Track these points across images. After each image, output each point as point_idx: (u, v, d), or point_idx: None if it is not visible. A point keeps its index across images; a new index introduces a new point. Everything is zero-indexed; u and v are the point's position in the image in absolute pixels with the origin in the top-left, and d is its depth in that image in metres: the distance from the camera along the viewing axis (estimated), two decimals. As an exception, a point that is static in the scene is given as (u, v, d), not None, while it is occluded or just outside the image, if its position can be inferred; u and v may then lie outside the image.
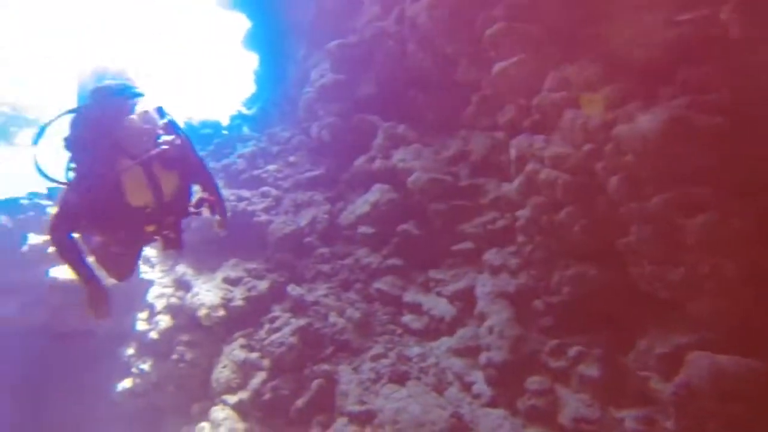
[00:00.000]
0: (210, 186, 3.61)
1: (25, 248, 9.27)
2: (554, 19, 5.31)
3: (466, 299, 6.19)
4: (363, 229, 7.63)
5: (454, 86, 7.11)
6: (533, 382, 5.09)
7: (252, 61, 13.85)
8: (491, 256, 6.13)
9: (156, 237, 3.32)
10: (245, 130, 11.33)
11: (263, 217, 8.59)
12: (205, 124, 11.81)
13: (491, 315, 5.59)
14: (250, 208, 8.71)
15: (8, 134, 13.54)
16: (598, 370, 4.70)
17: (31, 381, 9.13)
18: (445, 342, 6.17)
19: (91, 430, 9.13)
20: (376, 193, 7.51)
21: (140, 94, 3.07)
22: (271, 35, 12.33)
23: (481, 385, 5.55)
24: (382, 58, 8.12)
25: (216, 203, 3.60)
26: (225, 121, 12.39)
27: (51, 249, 9.34)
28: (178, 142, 3.02)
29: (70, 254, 3.05)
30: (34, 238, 9.38)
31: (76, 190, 2.97)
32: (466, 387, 5.68)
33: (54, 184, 3.00)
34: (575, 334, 5.14)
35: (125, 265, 3.62)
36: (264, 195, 9.03)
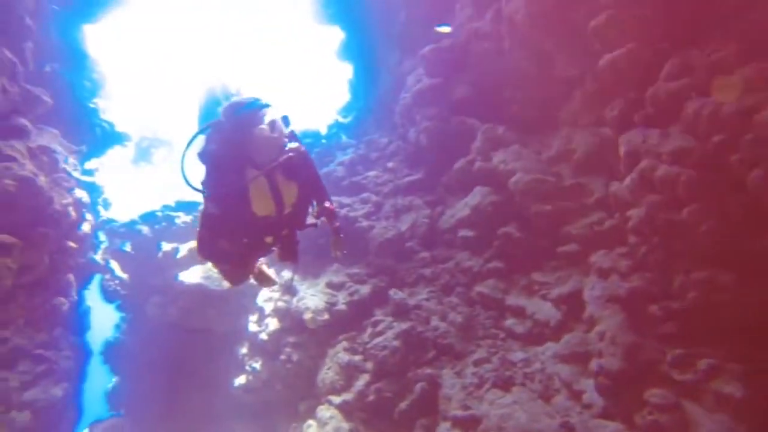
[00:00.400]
0: (326, 199, 3.52)
1: (159, 255, 10.53)
2: (671, 2, 4.89)
3: (571, 303, 5.92)
4: (463, 232, 7.60)
5: (553, 83, 6.83)
6: (654, 395, 4.71)
7: (344, 71, 14.45)
8: (599, 258, 5.79)
9: (273, 248, 3.39)
10: (343, 138, 11.81)
11: (364, 223, 8.87)
12: (305, 134, 12.50)
13: (602, 320, 5.29)
14: (351, 214, 9.04)
15: (149, 155, 15.66)
16: (740, 388, 4.20)
17: (168, 369, 10.31)
18: (551, 347, 5.94)
19: (211, 417, 10.11)
20: (477, 195, 7.44)
21: (267, 105, 3.14)
22: (364, 45, 12.74)
23: (592, 394, 5.27)
24: (477, 59, 8.04)
25: (333, 216, 3.53)
26: (323, 131, 13.04)
27: (181, 255, 10.53)
28: (302, 149, 3.10)
29: (222, 263, 3.25)
30: (166, 246, 10.61)
31: (212, 200, 3.11)
32: (576, 395, 5.43)
33: (197, 193, 3.16)
34: (704, 345, 4.67)
35: (242, 271, 3.68)
36: (364, 201, 9.33)
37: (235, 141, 3.00)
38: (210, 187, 3.13)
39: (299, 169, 3.16)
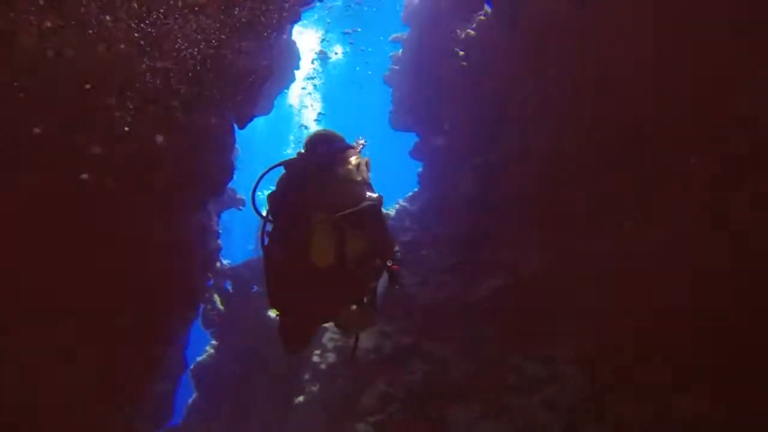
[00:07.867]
0: (392, 258, 3.01)
1: (254, 291, 13.60)
2: None
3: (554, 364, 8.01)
4: (484, 306, 9.92)
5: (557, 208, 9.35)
6: None
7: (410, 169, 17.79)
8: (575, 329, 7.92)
9: (336, 305, 2.83)
10: (407, 222, 14.68)
11: (414, 290, 11.44)
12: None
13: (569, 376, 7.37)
14: (404, 282, 11.56)
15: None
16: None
17: (242, 390, 12.93)
18: (538, 397, 7.95)
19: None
20: (497, 279, 9.86)
21: (350, 146, 2.88)
22: (432, 149, 15.96)
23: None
24: (511, 178, 10.74)
25: (394, 279, 2.96)
26: (392, 214, 16.05)
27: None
28: (381, 202, 2.71)
29: (283, 314, 2.94)
30: (260, 288, 13.69)
31: (273, 241, 2.85)
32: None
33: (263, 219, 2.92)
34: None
35: (299, 332, 3.14)
36: (415, 274, 11.94)
37: (313, 179, 2.73)
38: (275, 226, 2.87)
39: (371, 223, 2.78)
